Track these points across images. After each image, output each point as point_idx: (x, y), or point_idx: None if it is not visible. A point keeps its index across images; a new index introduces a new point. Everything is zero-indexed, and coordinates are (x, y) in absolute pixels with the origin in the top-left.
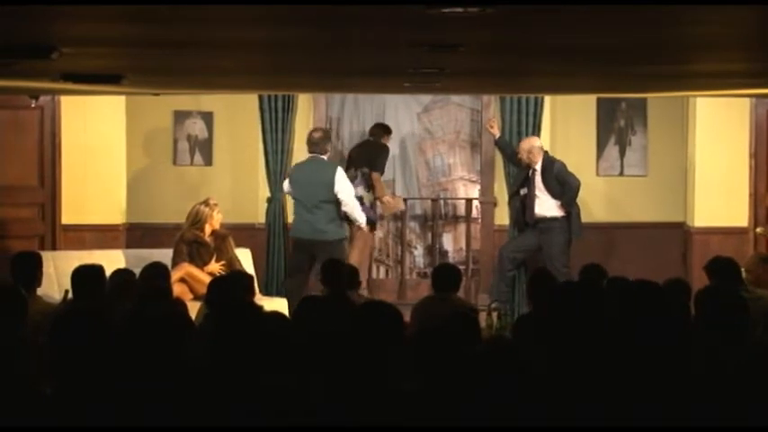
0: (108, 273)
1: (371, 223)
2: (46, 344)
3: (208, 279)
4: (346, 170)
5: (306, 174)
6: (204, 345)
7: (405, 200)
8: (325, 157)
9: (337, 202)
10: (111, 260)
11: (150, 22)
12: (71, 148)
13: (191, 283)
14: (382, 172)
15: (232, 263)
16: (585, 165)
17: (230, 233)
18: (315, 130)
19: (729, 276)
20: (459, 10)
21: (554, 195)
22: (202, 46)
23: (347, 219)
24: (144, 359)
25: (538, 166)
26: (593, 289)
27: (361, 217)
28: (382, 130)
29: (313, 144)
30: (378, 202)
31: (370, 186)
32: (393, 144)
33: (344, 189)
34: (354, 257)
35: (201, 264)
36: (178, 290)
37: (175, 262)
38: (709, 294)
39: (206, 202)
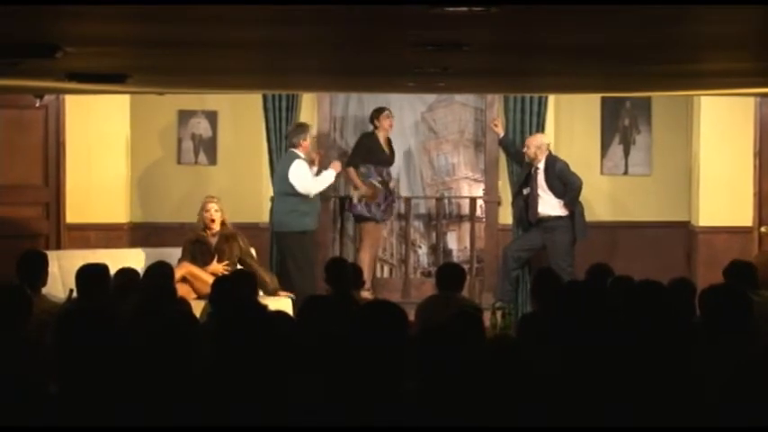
0: (112, 272)
1: (368, 219)
2: (50, 343)
3: (209, 278)
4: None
5: (277, 167)
6: (208, 344)
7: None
8: (296, 150)
9: (297, 194)
10: (116, 259)
11: (154, 21)
12: (75, 148)
13: (192, 282)
14: (356, 165)
15: (244, 262)
16: (590, 164)
17: (238, 232)
18: (292, 125)
19: (746, 280)
20: (464, 9)
21: (557, 195)
22: (207, 46)
23: (355, 218)
24: (148, 358)
25: (541, 165)
26: (597, 288)
27: (316, 185)
28: (372, 114)
29: (286, 138)
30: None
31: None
32: (396, 143)
33: (295, 180)
34: (364, 257)
35: (203, 264)
36: (180, 289)
37: (179, 261)
38: (714, 294)
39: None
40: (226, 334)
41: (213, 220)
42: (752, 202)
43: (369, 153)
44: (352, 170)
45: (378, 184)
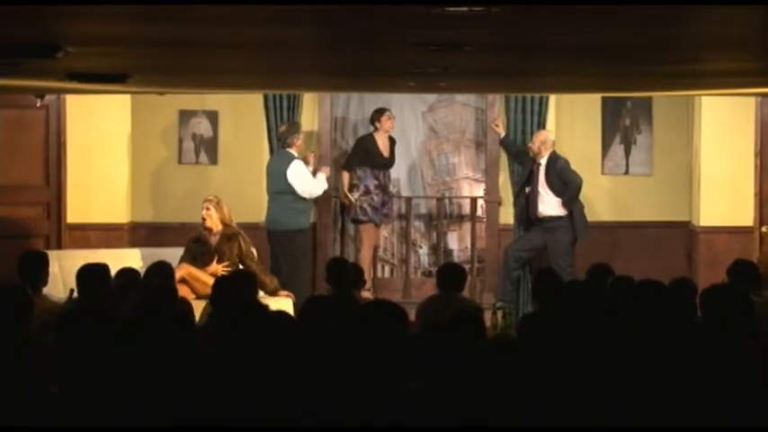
0: (113, 272)
1: (363, 223)
2: (51, 343)
3: (208, 280)
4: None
5: (270, 166)
6: (208, 344)
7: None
8: (291, 150)
9: (293, 193)
10: (116, 259)
11: (154, 21)
12: (76, 148)
13: (191, 283)
14: (351, 168)
15: (244, 262)
16: (590, 164)
17: (241, 232)
18: (282, 124)
19: (749, 280)
20: (464, 9)
21: (556, 193)
22: (207, 46)
23: (354, 220)
24: (149, 358)
25: (543, 161)
26: (598, 288)
27: (316, 188)
28: (373, 114)
29: (279, 138)
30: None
31: (351, 186)
32: (397, 143)
33: (294, 179)
34: (365, 257)
35: (203, 264)
36: (179, 291)
37: (179, 261)
38: (714, 294)
39: None
40: (226, 334)
41: (204, 219)
42: (753, 202)
43: (366, 156)
44: (344, 174)
45: (353, 198)
